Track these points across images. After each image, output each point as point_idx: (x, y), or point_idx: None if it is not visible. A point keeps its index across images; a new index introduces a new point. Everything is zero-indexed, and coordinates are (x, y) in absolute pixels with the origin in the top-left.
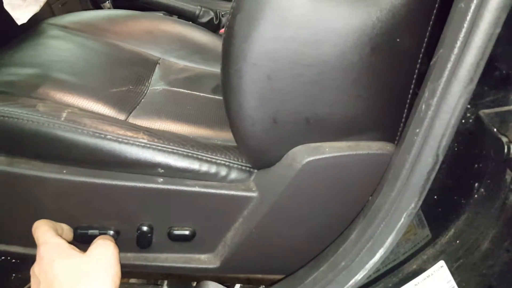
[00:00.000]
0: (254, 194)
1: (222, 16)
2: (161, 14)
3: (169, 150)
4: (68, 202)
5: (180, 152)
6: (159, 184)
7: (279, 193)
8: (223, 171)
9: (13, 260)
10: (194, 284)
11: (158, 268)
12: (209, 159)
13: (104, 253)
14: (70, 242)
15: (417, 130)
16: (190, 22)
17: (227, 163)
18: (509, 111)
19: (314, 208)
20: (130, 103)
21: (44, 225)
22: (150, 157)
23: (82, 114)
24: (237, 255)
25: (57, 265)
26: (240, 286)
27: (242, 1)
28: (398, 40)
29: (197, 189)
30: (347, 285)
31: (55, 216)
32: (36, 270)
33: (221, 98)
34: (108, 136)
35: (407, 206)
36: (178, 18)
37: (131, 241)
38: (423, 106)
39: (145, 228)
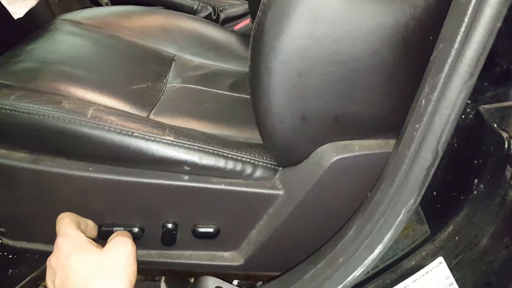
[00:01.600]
0: (280, 192)
1: (220, 11)
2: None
3: (195, 148)
4: (93, 199)
5: (206, 150)
6: (185, 181)
7: (305, 191)
8: (248, 169)
9: (10, 256)
10: (192, 280)
11: (182, 266)
12: (234, 156)
13: (122, 250)
14: (94, 239)
15: (417, 126)
16: (204, 19)
17: (252, 161)
18: (509, 106)
19: (341, 206)
20: (150, 100)
21: (67, 218)
22: (176, 155)
23: (107, 111)
24: (262, 253)
25: (74, 259)
26: (238, 282)
27: None
28: (431, 38)
29: (222, 186)
30: (346, 281)
31: (79, 213)
32: (53, 262)
33: (238, 95)
34: (135, 134)
35: (406, 202)
36: None
37: (156, 238)
38: (423, 101)
39: (170, 226)
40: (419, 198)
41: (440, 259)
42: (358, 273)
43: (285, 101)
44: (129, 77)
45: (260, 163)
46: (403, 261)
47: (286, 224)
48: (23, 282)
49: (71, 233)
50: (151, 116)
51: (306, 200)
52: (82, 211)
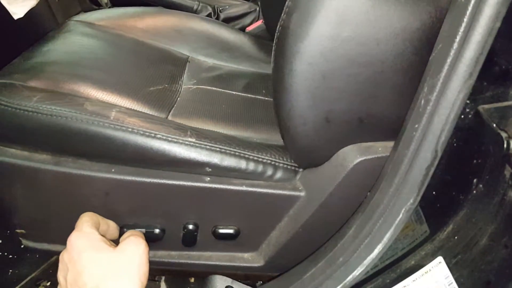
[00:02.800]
0: (301, 194)
1: (220, 11)
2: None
3: (217, 149)
4: (115, 200)
5: (227, 151)
6: (206, 183)
7: (328, 193)
8: (269, 171)
9: (10, 256)
10: (192, 279)
11: (202, 266)
12: (255, 158)
13: (135, 250)
14: (114, 241)
15: (416, 126)
16: (216, 20)
17: (273, 162)
18: (509, 106)
19: None
20: (168, 102)
21: (87, 216)
22: (198, 157)
23: (129, 113)
24: (282, 254)
25: (86, 257)
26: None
27: (298, 0)
28: None
29: (244, 188)
30: (345, 281)
31: (101, 215)
32: (65, 257)
33: (253, 96)
34: (158, 136)
35: (406, 201)
36: None
37: (176, 239)
38: (422, 102)
39: (191, 227)
40: (419, 198)
41: (440, 258)
42: (357, 272)
43: (309, 103)
44: (146, 78)
45: (281, 165)
46: (403, 261)
47: (307, 225)
48: (23, 282)
49: (85, 229)
50: (170, 118)
51: (328, 202)
52: (104, 213)
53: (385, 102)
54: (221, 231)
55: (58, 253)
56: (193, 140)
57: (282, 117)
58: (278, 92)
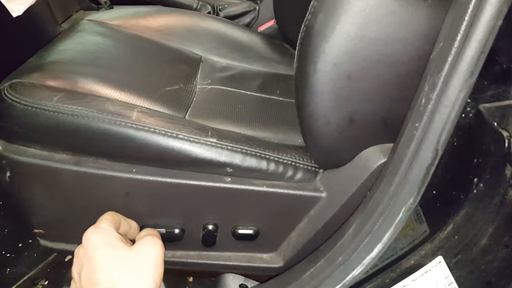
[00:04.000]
0: (322, 194)
1: (220, 10)
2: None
3: (238, 149)
4: (136, 200)
5: (248, 152)
6: (227, 183)
7: (350, 194)
8: (290, 171)
9: (8, 255)
10: (191, 279)
11: (221, 267)
12: (276, 158)
13: (151, 251)
14: (133, 240)
15: (417, 124)
16: (229, 20)
17: (293, 163)
18: (510, 105)
19: None
20: (185, 102)
21: (107, 214)
22: (219, 157)
23: (150, 113)
24: (301, 255)
25: (101, 254)
26: None
27: (324, 0)
28: None
29: (264, 188)
30: (344, 281)
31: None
32: (81, 253)
33: (268, 96)
34: (180, 136)
35: (406, 201)
36: None
37: (196, 239)
38: (423, 100)
39: (210, 227)
40: (419, 197)
41: (440, 258)
42: (357, 272)
43: (333, 104)
44: (162, 78)
45: (301, 165)
46: (402, 260)
47: (327, 226)
48: (21, 281)
49: (102, 226)
50: (187, 118)
51: (350, 203)
52: (124, 212)
53: (409, 103)
54: (241, 231)
55: (69, 253)
56: (214, 140)
57: (304, 117)
58: (301, 92)
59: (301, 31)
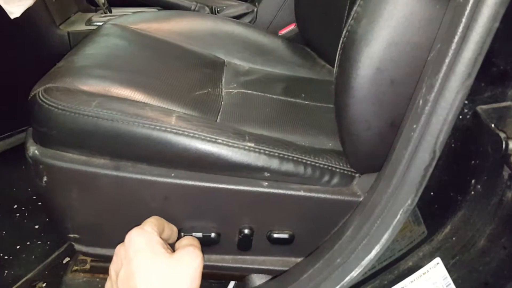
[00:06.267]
0: (359, 199)
1: (218, 11)
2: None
3: (275, 154)
4: (174, 205)
5: (285, 156)
6: (264, 187)
7: None
8: (326, 176)
9: (6, 257)
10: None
11: (256, 271)
12: (313, 163)
13: (191, 263)
14: (171, 244)
15: (414, 126)
16: (250, 24)
17: (329, 167)
18: (507, 107)
19: None
20: (214, 107)
21: (153, 218)
22: (257, 162)
23: (188, 118)
24: None
25: (141, 258)
26: (235, 283)
27: (367, 6)
28: None
29: (302, 193)
30: (343, 282)
31: None
32: (122, 252)
33: (294, 100)
34: (218, 141)
35: (404, 202)
36: None
37: (232, 243)
38: (421, 102)
39: (246, 231)
40: (417, 199)
41: (438, 259)
42: (355, 273)
43: (375, 108)
44: (190, 83)
45: (338, 170)
46: (401, 262)
47: None
48: (19, 283)
49: (146, 228)
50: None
51: None
52: (162, 216)
53: None
54: (276, 235)
55: (110, 258)
56: (252, 145)
57: (344, 122)
58: (342, 97)
59: (343, 36)
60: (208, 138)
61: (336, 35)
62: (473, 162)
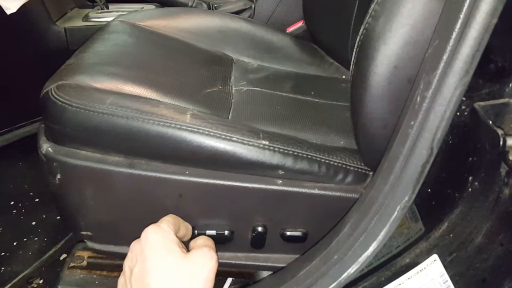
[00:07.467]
0: None
1: (215, 8)
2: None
3: (290, 152)
4: (188, 202)
5: (300, 154)
6: (279, 185)
7: None
8: (340, 174)
9: (2, 253)
10: None
11: (269, 269)
12: (327, 161)
13: (205, 264)
14: (185, 242)
15: (412, 123)
16: (258, 21)
17: (344, 165)
18: (504, 103)
19: None
20: (226, 104)
21: (169, 216)
22: (271, 159)
23: (202, 116)
24: None
25: (156, 256)
26: (232, 280)
27: (385, 4)
28: None
29: (316, 191)
30: (340, 279)
31: None
32: (137, 249)
33: (303, 97)
34: (233, 138)
35: (401, 199)
36: None
37: (245, 241)
38: (418, 98)
39: (260, 229)
40: (414, 195)
41: (435, 256)
42: (352, 270)
43: (392, 107)
44: (200, 80)
45: (352, 168)
46: (398, 259)
47: None
48: (15, 280)
49: (163, 226)
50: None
51: None
52: (175, 214)
53: None
54: (289, 233)
55: (123, 256)
56: (267, 142)
57: (360, 119)
58: (359, 94)
59: (359, 34)
60: (223, 136)
61: (344, 32)
62: (470, 159)
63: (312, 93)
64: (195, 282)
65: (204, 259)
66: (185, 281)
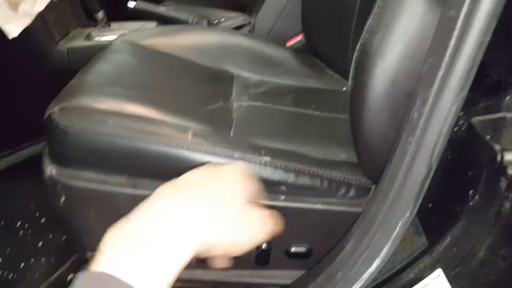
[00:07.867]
0: None
1: (216, 24)
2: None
3: (291, 168)
4: None
5: (301, 170)
6: (281, 201)
7: None
8: (343, 189)
9: (10, 276)
10: None
11: (274, 286)
12: (328, 176)
13: (266, 227)
14: None
15: (410, 139)
16: (258, 36)
17: (345, 180)
18: (502, 117)
19: None
20: (227, 120)
21: None
22: (273, 176)
23: (203, 134)
24: None
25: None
26: None
27: (381, 19)
28: None
29: (319, 206)
30: None
31: None
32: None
33: (304, 111)
34: (235, 156)
35: (402, 214)
36: None
37: (250, 258)
38: (415, 115)
39: (264, 246)
40: (415, 211)
41: (439, 271)
42: (356, 287)
43: (391, 121)
44: (202, 97)
45: (353, 182)
46: (402, 274)
47: None
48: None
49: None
50: (231, 136)
51: None
52: None
53: None
54: (294, 249)
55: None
56: (268, 159)
57: (361, 134)
58: (358, 109)
59: (357, 49)
60: (225, 154)
61: (343, 45)
62: (470, 172)
63: (313, 106)
64: (251, 235)
65: (268, 223)
66: (244, 230)
